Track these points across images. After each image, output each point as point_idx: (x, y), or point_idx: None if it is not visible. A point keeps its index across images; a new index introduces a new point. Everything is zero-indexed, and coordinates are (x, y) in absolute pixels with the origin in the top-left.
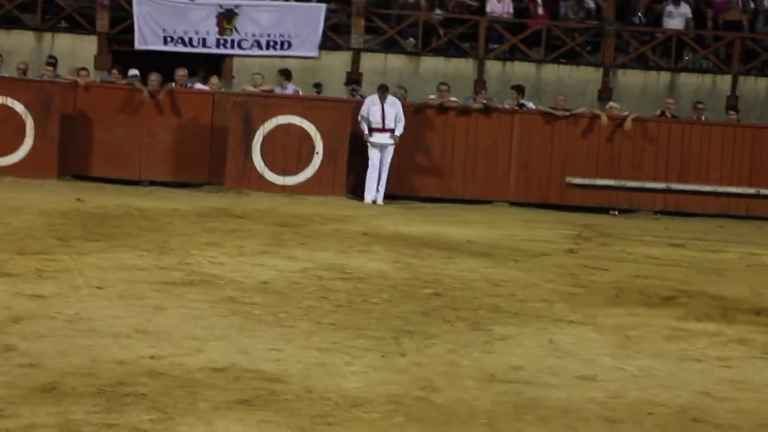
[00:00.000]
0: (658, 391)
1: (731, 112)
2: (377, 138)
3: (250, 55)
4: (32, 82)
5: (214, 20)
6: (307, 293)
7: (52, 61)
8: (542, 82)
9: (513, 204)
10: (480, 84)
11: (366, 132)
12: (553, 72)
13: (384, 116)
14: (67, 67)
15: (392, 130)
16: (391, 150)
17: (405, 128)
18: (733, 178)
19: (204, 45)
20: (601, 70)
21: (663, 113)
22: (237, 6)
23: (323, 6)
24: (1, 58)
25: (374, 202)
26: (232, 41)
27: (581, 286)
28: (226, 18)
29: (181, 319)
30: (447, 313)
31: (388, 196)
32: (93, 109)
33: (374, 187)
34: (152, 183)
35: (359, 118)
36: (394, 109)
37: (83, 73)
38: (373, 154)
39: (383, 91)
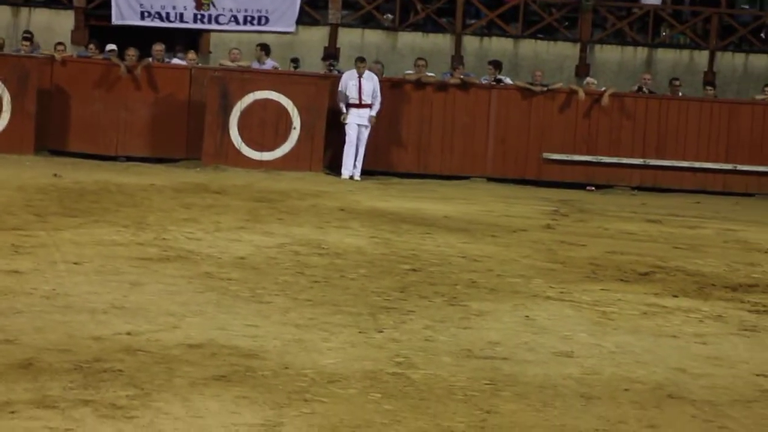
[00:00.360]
0: (635, 368)
1: (708, 88)
2: (354, 117)
3: (227, 30)
4: (9, 57)
5: None
6: (284, 269)
7: (28, 36)
8: (520, 58)
9: (490, 180)
10: (457, 59)
11: (344, 112)
12: (530, 47)
13: (361, 91)
14: (44, 41)
15: (369, 106)
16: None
17: (382, 104)
18: (710, 153)
19: (181, 20)
20: (578, 46)
21: (640, 89)
22: None
23: None
24: None
25: (351, 177)
26: (210, 16)
27: (558, 261)
28: None
29: (158, 294)
30: (424, 289)
31: (366, 172)
32: (70, 84)
33: (351, 163)
34: (129, 158)
35: (337, 93)
36: (371, 83)
37: (60, 47)
38: (350, 130)
39: (360, 61)
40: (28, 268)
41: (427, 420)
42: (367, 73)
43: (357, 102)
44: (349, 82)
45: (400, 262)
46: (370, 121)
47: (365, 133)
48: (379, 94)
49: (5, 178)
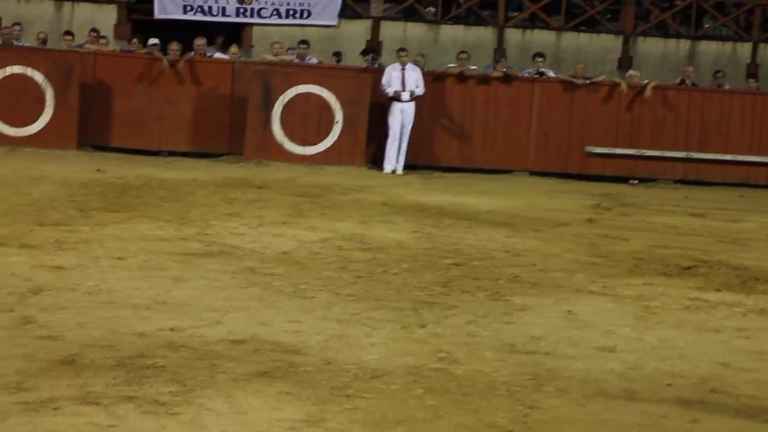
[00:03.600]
0: (677, 362)
1: (751, 80)
2: (397, 111)
3: (269, 24)
4: (52, 51)
5: None
6: (327, 264)
7: (71, 31)
8: (562, 50)
9: (533, 173)
10: (500, 52)
11: (392, 93)
12: (573, 40)
13: (404, 83)
14: (85, 37)
15: (413, 100)
16: (411, 115)
17: (425, 96)
18: (754, 146)
19: (224, 14)
20: (621, 38)
21: (683, 81)
22: None
23: None
24: (21, 27)
25: (394, 171)
26: (252, 10)
27: (601, 256)
28: None
29: (201, 290)
30: (467, 284)
31: (408, 166)
32: (113, 79)
33: (394, 157)
34: (171, 153)
35: (381, 87)
36: (414, 73)
37: (102, 41)
38: (394, 124)
39: (402, 51)
40: (71, 263)
41: (470, 415)
42: (410, 65)
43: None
44: (392, 74)
45: (443, 257)
46: (411, 95)
47: (409, 125)
48: (422, 84)
49: (49, 173)
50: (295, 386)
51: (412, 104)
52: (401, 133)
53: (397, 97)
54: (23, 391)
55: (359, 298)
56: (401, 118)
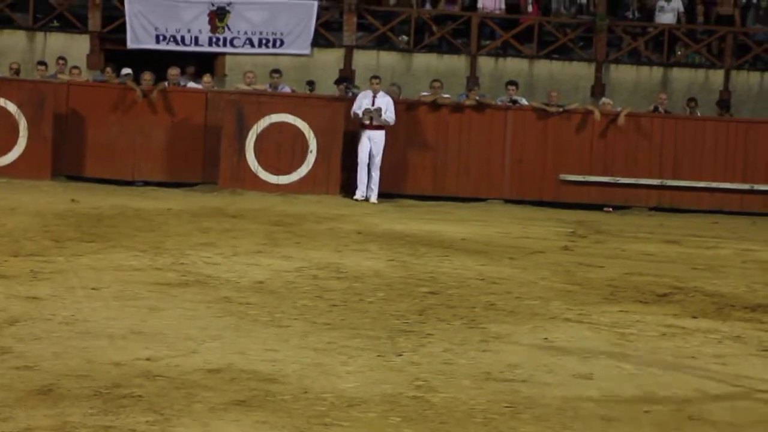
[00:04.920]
0: (654, 389)
1: (718, 109)
2: (365, 139)
3: (242, 53)
4: (25, 81)
5: (207, 18)
6: (303, 293)
7: (44, 61)
8: (535, 78)
9: (507, 201)
10: (473, 80)
11: (361, 112)
12: (545, 68)
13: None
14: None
15: (382, 127)
16: (381, 144)
17: (398, 124)
18: (727, 173)
19: (196, 43)
20: (593, 66)
21: (656, 108)
22: (229, 4)
23: (315, 3)
24: None
25: (367, 199)
26: (225, 39)
27: (576, 283)
28: (218, 16)
29: (177, 319)
30: (443, 312)
31: (382, 195)
32: (86, 109)
33: (364, 183)
34: (146, 183)
35: (352, 114)
36: (385, 100)
37: (75, 71)
38: (361, 150)
39: (375, 78)
40: (46, 294)
41: None
42: (381, 93)
43: (370, 122)
44: (363, 101)
45: (419, 285)
46: (378, 113)
47: (378, 156)
48: (392, 111)
49: (23, 203)
50: (272, 415)
51: (382, 133)
52: (372, 163)
53: (367, 114)
54: (0, 421)
55: (335, 327)
56: (369, 145)
